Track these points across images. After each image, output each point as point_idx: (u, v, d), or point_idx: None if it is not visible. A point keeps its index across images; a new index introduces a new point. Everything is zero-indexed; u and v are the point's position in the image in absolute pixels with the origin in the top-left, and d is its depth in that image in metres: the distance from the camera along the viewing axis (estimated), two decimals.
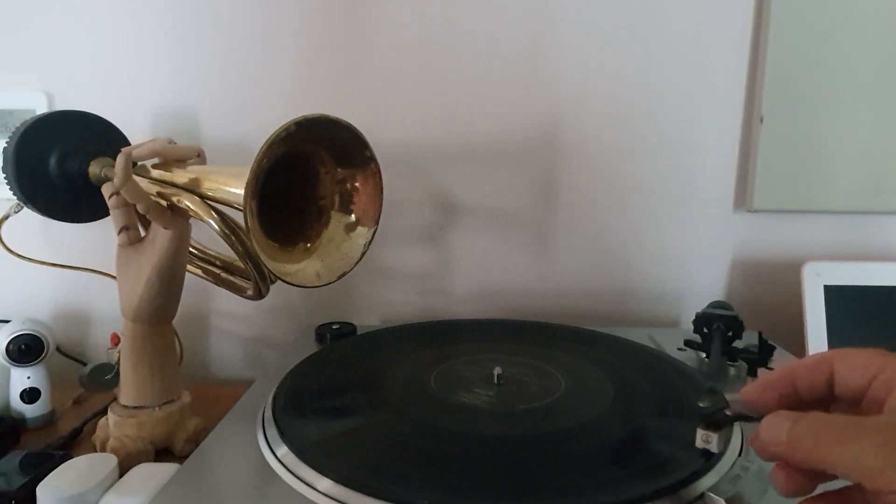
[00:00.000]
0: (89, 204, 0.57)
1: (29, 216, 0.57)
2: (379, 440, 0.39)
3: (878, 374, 0.27)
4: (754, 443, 0.28)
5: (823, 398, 0.29)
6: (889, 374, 0.27)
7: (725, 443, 0.33)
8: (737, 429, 0.40)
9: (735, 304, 0.61)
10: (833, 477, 0.25)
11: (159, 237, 0.49)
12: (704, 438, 0.33)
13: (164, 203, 0.50)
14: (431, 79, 0.69)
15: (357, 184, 0.48)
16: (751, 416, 0.34)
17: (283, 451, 0.38)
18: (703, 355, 0.56)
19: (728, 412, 0.34)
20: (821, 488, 0.27)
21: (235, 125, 0.71)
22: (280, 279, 0.43)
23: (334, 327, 0.62)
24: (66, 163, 0.55)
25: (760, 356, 0.52)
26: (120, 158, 0.47)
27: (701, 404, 0.35)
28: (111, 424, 0.51)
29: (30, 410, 0.59)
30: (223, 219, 0.47)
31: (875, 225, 0.72)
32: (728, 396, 0.45)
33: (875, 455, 0.23)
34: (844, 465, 0.24)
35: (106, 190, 0.51)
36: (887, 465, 0.22)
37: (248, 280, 0.55)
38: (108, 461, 0.45)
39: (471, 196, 0.72)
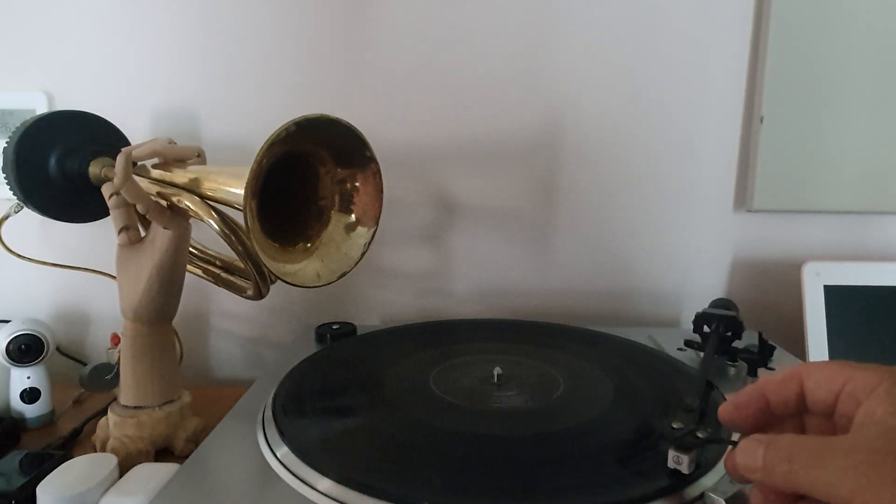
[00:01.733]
0: (89, 204, 0.57)
1: (29, 216, 0.57)
2: (379, 440, 0.39)
3: (844, 387, 0.27)
4: (729, 466, 0.28)
5: (798, 412, 0.30)
6: (853, 386, 0.27)
7: (697, 463, 0.34)
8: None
9: (735, 303, 0.61)
10: (812, 499, 0.25)
11: (159, 237, 0.49)
12: (675, 460, 0.33)
13: (164, 203, 0.50)
14: (432, 79, 0.69)
15: (357, 184, 0.48)
16: (722, 439, 0.35)
17: (283, 451, 0.38)
18: (703, 355, 0.56)
19: (699, 434, 0.34)
20: None
21: (235, 125, 0.71)
22: (280, 279, 0.43)
23: (334, 327, 0.62)
24: (66, 163, 0.55)
25: (760, 356, 0.52)
26: (120, 158, 0.47)
27: (674, 425, 0.35)
28: (111, 424, 0.51)
29: (30, 410, 0.59)
30: (223, 219, 0.47)
31: (875, 225, 0.72)
32: (728, 396, 0.45)
33: (848, 478, 0.23)
34: (819, 490, 0.24)
35: (106, 190, 0.51)
36: (861, 486, 0.22)
37: (248, 280, 0.55)
38: (108, 461, 0.45)
39: (471, 196, 0.72)
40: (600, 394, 0.46)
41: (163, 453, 0.51)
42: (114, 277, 0.53)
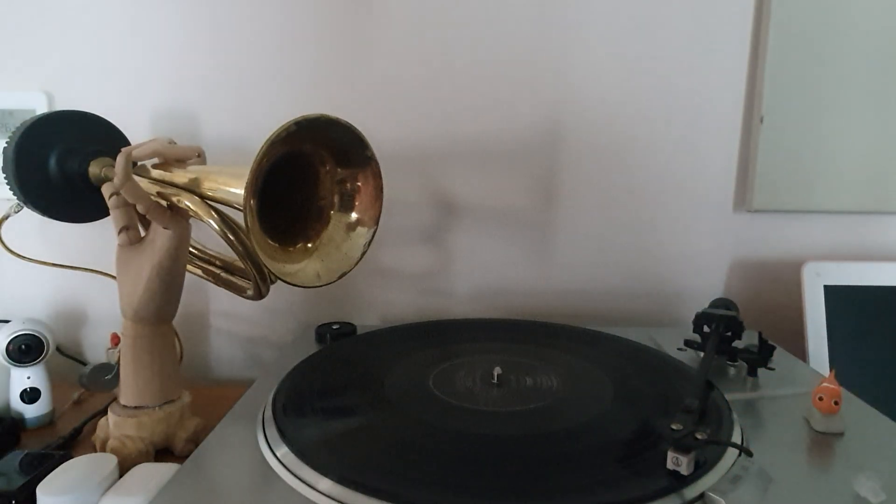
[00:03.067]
0: (89, 204, 0.57)
1: (29, 216, 0.57)
2: (379, 440, 0.39)
3: None
4: None
5: None
6: None
7: (696, 464, 0.33)
8: (737, 428, 0.40)
9: (735, 303, 0.61)
10: None
11: (159, 237, 0.49)
12: (674, 461, 0.33)
13: (164, 203, 0.50)
14: (432, 79, 0.69)
15: (357, 184, 0.48)
16: (721, 440, 0.34)
17: (283, 451, 0.38)
18: (703, 355, 0.56)
19: (699, 436, 0.34)
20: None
21: (235, 125, 0.71)
22: (280, 279, 0.43)
23: (334, 327, 0.62)
24: (66, 163, 0.55)
25: (760, 356, 0.52)
26: (120, 158, 0.47)
27: (673, 426, 0.35)
28: (111, 424, 0.51)
29: (30, 410, 0.59)
30: (223, 219, 0.47)
31: (875, 225, 0.72)
32: (728, 396, 0.46)
33: None
34: None
35: (106, 190, 0.51)
36: None
37: (248, 280, 0.55)
38: (108, 461, 0.45)
39: (471, 196, 0.72)
40: (600, 394, 0.46)
41: (163, 453, 0.51)
42: (114, 277, 0.53)
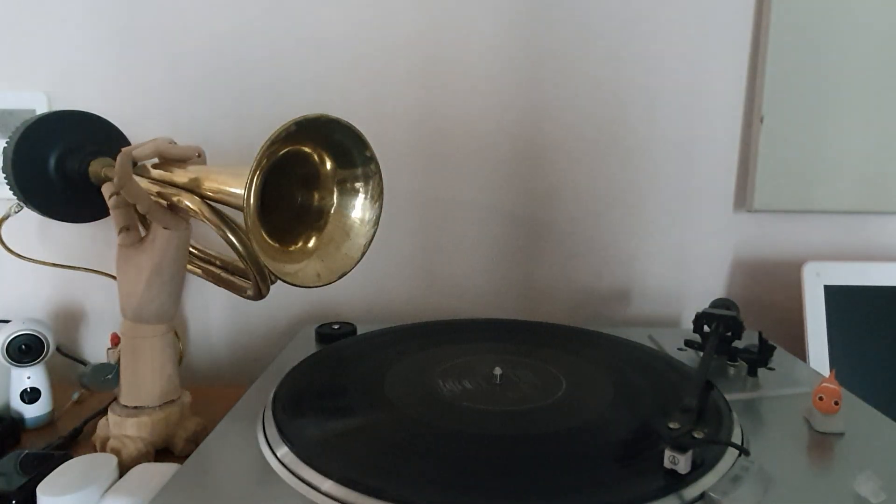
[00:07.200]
0: (89, 204, 0.57)
1: (29, 216, 0.57)
2: (379, 440, 0.39)
3: None
4: None
5: None
6: None
7: (694, 463, 0.33)
8: (737, 428, 0.40)
9: (735, 303, 0.61)
10: None
11: (159, 237, 0.49)
12: (672, 460, 0.33)
13: (164, 203, 0.50)
14: (431, 79, 0.69)
15: (357, 184, 0.48)
16: (719, 440, 0.34)
17: (283, 451, 0.38)
18: (702, 355, 0.56)
19: (696, 435, 0.34)
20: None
21: (235, 125, 0.71)
22: (280, 279, 0.43)
23: (334, 327, 0.62)
24: (66, 163, 0.55)
25: (760, 356, 0.52)
26: (120, 158, 0.47)
27: (670, 425, 0.35)
28: (111, 424, 0.51)
29: (30, 410, 0.59)
30: (223, 219, 0.47)
31: (875, 225, 0.72)
32: (728, 396, 0.46)
33: None
34: None
35: (106, 190, 0.51)
36: None
37: (248, 280, 0.55)
38: (108, 461, 0.45)
39: (470, 196, 0.72)
40: (600, 394, 0.46)
41: (163, 453, 0.52)
42: (114, 277, 0.53)
